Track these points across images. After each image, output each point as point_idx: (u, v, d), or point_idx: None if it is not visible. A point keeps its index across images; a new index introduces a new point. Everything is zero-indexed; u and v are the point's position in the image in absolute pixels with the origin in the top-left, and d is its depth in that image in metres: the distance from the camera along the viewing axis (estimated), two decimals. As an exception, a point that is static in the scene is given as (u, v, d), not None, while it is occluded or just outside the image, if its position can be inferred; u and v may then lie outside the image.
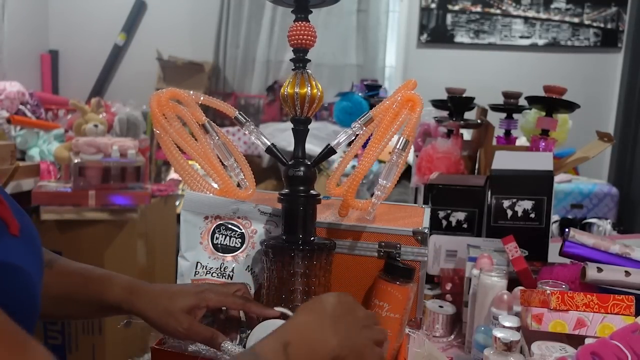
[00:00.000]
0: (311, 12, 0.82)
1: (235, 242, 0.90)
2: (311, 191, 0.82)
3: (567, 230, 0.93)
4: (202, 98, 0.88)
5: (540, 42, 3.68)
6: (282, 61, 3.90)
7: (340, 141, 0.85)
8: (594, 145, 1.28)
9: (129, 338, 2.11)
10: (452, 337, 0.96)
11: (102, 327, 2.04)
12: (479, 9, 3.71)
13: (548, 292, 0.75)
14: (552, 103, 1.22)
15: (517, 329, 0.73)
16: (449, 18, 3.75)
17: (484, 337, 0.80)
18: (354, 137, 0.86)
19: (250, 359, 0.54)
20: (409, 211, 0.99)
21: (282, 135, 2.99)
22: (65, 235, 1.97)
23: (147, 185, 2.22)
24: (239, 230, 0.91)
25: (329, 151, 0.85)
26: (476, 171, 1.43)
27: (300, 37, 0.80)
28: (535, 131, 1.26)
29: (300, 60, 0.82)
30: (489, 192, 1.05)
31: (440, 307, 0.97)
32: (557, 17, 3.65)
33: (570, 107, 1.23)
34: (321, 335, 0.58)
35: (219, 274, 0.89)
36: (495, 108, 1.45)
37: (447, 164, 1.29)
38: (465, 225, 1.10)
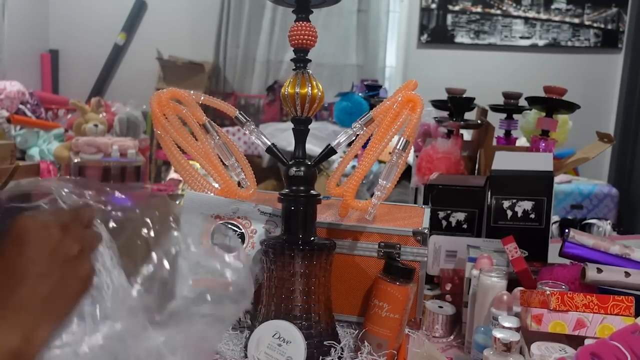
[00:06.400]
0: (312, 12, 0.82)
1: (235, 242, 0.90)
2: (311, 191, 0.82)
3: (567, 230, 0.93)
4: (202, 98, 0.88)
5: (541, 42, 3.68)
6: (282, 61, 3.90)
7: (341, 141, 0.85)
8: (594, 145, 1.28)
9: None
10: (452, 337, 0.96)
11: (102, 327, 2.04)
12: (479, 9, 3.71)
13: (548, 292, 0.75)
14: (552, 104, 1.22)
15: (517, 329, 0.73)
16: (449, 18, 3.75)
17: (483, 338, 0.80)
18: (354, 138, 0.86)
19: None
20: (409, 211, 0.99)
21: (282, 135, 2.99)
22: (65, 235, 1.97)
23: (147, 185, 2.22)
24: (239, 230, 0.91)
25: (329, 151, 0.85)
26: (476, 171, 1.43)
27: (301, 37, 0.80)
28: (536, 132, 1.26)
29: (300, 60, 0.82)
30: (489, 193, 1.05)
31: (440, 307, 0.97)
32: (557, 18, 3.65)
33: (571, 107, 1.23)
34: None
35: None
36: (496, 108, 1.45)
37: (447, 165, 1.29)
38: (465, 226, 1.10)
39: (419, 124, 0.95)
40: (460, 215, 1.10)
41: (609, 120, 3.59)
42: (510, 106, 1.41)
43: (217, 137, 0.88)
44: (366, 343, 0.81)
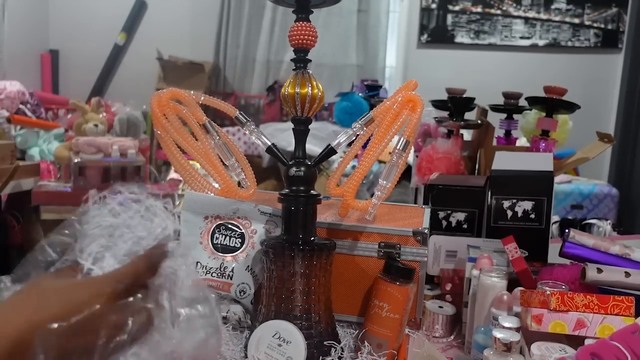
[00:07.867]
0: (312, 12, 0.82)
1: (235, 242, 0.90)
2: (311, 191, 0.82)
3: (567, 230, 0.93)
4: (202, 98, 0.88)
5: (541, 42, 3.68)
6: (282, 61, 3.90)
7: (341, 141, 0.85)
8: (594, 145, 1.28)
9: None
10: (452, 337, 0.96)
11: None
12: (479, 9, 3.71)
13: (548, 292, 0.75)
14: (553, 104, 1.22)
15: (517, 329, 0.73)
16: (450, 18, 3.75)
17: (483, 338, 0.80)
18: (354, 138, 0.86)
19: None
20: (409, 211, 0.99)
21: (282, 135, 2.99)
22: (65, 235, 1.97)
23: (147, 185, 2.22)
24: (239, 230, 0.91)
25: (330, 151, 0.85)
26: (476, 171, 1.43)
27: (301, 37, 0.80)
28: (536, 132, 1.26)
29: (301, 60, 0.82)
30: (489, 193, 1.05)
31: (440, 307, 0.97)
32: (557, 18, 3.65)
33: (571, 107, 1.23)
34: None
35: (219, 274, 0.89)
36: (496, 108, 1.45)
37: (447, 165, 1.29)
38: (465, 226, 1.10)
39: (419, 124, 0.95)
40: (460, 215, 1.10)
41: (609, 120, 3.59)
42: (510, 106, 1.41)
43: (217, 137, 0.88)
44: (366, 343, 0.81)
